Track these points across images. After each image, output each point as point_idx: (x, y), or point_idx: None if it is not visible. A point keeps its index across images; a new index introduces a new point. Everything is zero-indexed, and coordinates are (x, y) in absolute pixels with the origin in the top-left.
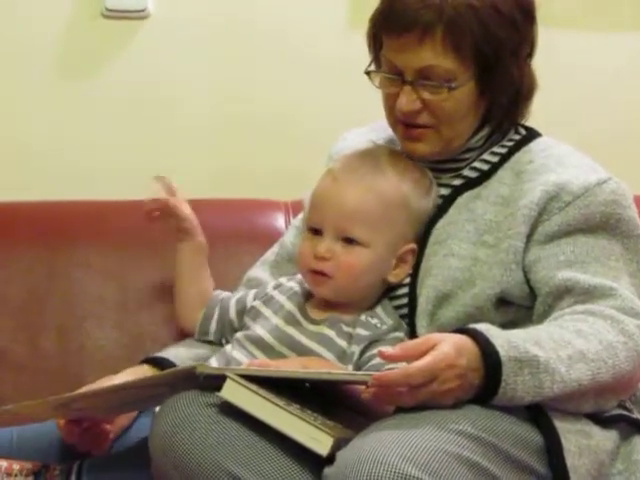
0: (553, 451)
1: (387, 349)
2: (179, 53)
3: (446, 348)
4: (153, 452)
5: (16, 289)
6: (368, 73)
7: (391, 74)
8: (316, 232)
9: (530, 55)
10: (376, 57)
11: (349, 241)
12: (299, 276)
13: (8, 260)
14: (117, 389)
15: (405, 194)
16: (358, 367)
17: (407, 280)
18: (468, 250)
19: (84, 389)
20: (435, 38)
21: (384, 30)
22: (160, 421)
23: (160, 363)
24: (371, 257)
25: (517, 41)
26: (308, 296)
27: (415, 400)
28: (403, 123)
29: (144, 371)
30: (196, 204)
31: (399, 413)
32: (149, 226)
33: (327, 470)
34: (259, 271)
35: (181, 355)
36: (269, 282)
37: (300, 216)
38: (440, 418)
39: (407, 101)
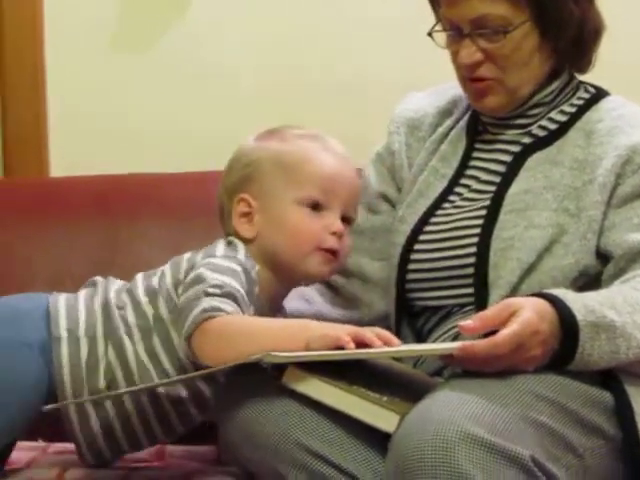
0: (624, 414)
1: (467, 323)
2: (233, 22)
3: (529, 314)
4: (220, 423)
5: (80, 262)
6: (430, 34)
7: (450, 31)
8: None
9: None
10: (438, 18)
11: None
12: None
13: (72, 234)
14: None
15: None
16: None
17: (472, 250)
18: (549, 219)
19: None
20: None
21: None
22: (226, 392)
23: None
24: None
25: None
26: None
27: (499, 368)
28: (469, 79)
29: None
30: None
31: (465, 373)
32: (211, 198)
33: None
34: None
35: None
36: None
37: None
38: (508, 378)
39: (467, 53)
